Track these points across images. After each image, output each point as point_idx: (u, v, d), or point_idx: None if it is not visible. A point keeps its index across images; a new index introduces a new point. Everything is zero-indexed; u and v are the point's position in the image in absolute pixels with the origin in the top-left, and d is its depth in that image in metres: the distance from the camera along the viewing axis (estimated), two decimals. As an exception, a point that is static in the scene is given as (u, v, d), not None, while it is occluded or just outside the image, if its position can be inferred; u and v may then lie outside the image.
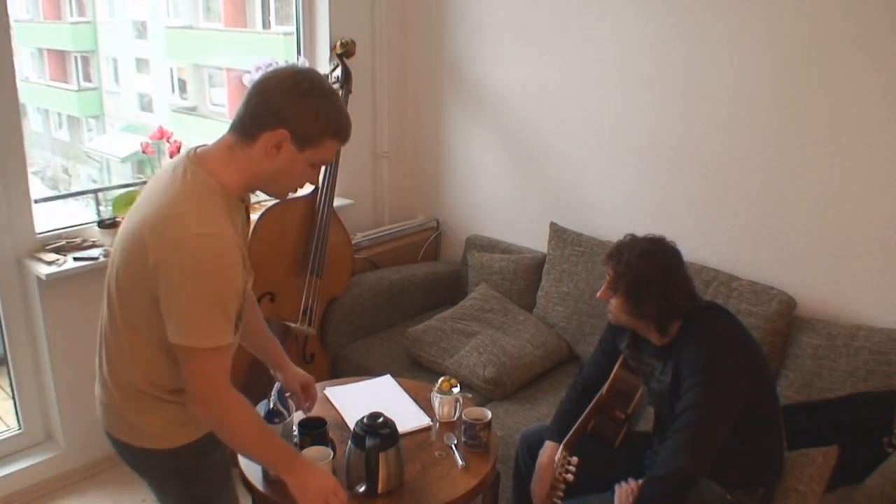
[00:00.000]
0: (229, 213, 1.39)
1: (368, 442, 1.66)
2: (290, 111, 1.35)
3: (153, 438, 1.49)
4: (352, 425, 1.95)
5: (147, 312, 1.37)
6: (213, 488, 1.58)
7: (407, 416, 2.01)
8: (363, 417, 1.72)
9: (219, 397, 1.40)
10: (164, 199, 1.35)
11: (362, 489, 1.70)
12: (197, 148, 1.43)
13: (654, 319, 1.82)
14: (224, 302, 1.35)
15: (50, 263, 2.43)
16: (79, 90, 7.42)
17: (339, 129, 1.41)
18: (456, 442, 1.91)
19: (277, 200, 2.76)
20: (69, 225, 2.64)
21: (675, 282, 1.83)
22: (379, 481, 1.69)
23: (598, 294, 1.91)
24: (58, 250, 2.51)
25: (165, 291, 1.32)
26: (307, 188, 2.85)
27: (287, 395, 1.86)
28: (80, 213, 2.85)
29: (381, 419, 1.71)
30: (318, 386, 2.05)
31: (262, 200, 2.91)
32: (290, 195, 1.54)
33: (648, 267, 1.81)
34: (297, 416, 1.87)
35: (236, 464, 1.81)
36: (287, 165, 1.39)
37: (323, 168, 1.50)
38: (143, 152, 2.67)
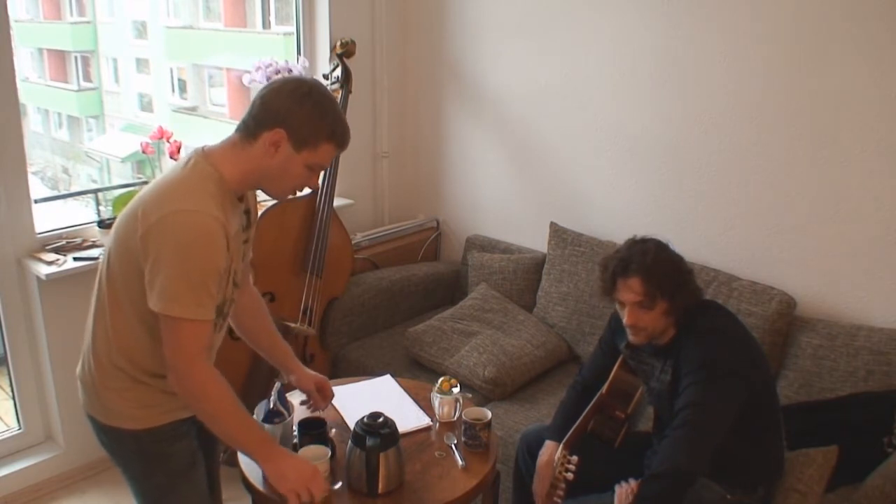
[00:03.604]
0: (222, 201, 1.44)
1: (369, 442, 1.66)
2: (288, 112, 1.43)
3: (120, 417, 1.54)
4: (352, 425, 1.95)
5: (132, 289, 1.44)
6: (174, 477, 1.60)
7: (407, 416, 2.01)
8: (363, 417, 1.72)
9: (194, 370, 1.44)
10: (163, 182, 1.44)
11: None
12: (206, 146, 1.51)
13: (684, 308, 1.81)
14: (205, 277, 1.40)
15: (50, 263, 2.43)
16: (79, 90, 7.42)
17: (335, 134, 1.47)
18: (456, 442, 1.91)
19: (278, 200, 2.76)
20: (69, 225, 2.64)
21: (686, 262, 1.86)
22: (379, 481, 1.69)
23: (627, 321, 1.81)
24: (58, 250, 2.51)
25: (150, 263, 1.38)
26: (307, 189, 2.85)
27: (287, 394, 1.87)
28: (80, 213, 2.85)
29: (381, 419, 1.71)
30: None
31: (262, 200, 2.91)
32: (290, 197, 1.57)
33: (672, 255, 1.83)
34: (297, 416, 1.87)
35: (236, 463, 1.81)
36: (284, 165, 1.46)
37: (322, 171, 1.54)
38: (143, 152, 2.67)
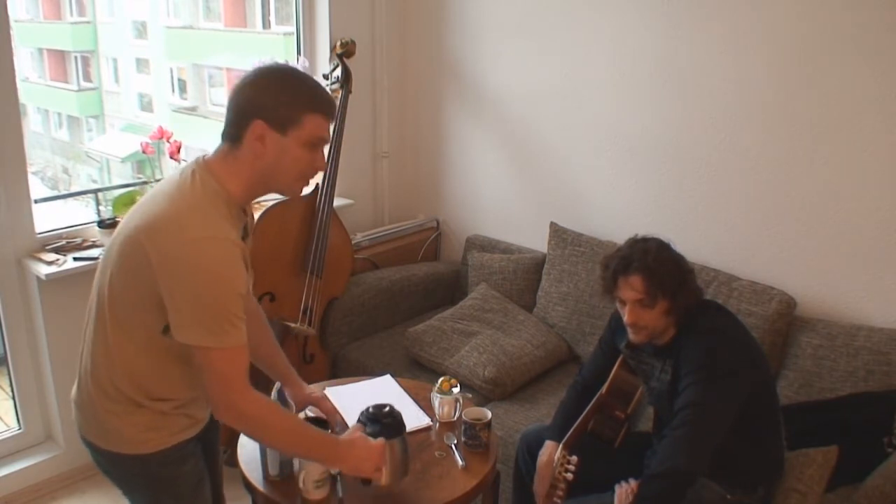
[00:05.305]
0: (231, 219, 1.39)
1: (368, 429, 1.62)
2: (258, 100, 1.36)
3: (123, 442, 1.48)
4: (352, 426, 1.95)
5: (140, 313, 1.38)
6: (181, 499, 1.56)
7: (407, 416, 1.99)
8: (368, 407, 1.68)
9: (244, 402, 1.40)
10: (168, 202, 1.36)
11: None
12: (204, 156, 1.44)
13: (685, 308, 1.81)
14: (230, 302, 1.35)
15: (50, 263, 2.43)
16: (79, 90, 7.42)
17: (315, 102, 1.39)
18: (456, 442, 1.91)
19: (278, 200, 2.76)
20: (69, 225, 2.64)
21: (688, 262, 1.86)
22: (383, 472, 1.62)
23: (628, 319, 1.82)
24: (58, 250, 2.51)
25: (171, 294, 1.32)
26: (307, 188, 2.84)
27: (287, 394, 1.86)
28: (80, 213, 2.85)
29: (386, 409, 1.67)
30: (317, 386, 2.06)
31: (262, 200, 2.91)
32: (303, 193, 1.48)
33: (674, 254, 1.83)
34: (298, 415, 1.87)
35: (236, 463, 1.81)
36: (278, 155, 1.38)
37: (324, 146, 1.44)
38: (143, 152, 2.67)
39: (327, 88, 2.95)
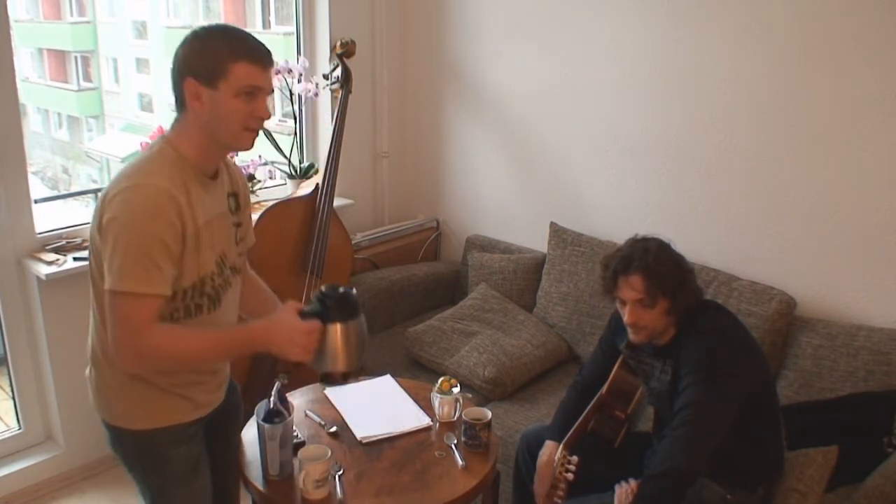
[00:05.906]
0: (181, 177, 1.42)
1: (305, 309, 1.50)
2: (186, 60, 1.42)
3: (122, 417, 1.53)
4: (352, 426, 1.95)
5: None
6: (172, 481, 1.57)
7: (407, 416, 2.01)
8: (322, 286, 1.54)
9: (141, 340, 1.36)
10: (121, 169, 1.44)
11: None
12: (169, 131, 1.50)
13: (685, 308, 1.81)
14: (149, 248, 1.35)
15: (50, 263, 2.43)
16: (79, 90, 7.41)
17: (238, 50, 1.40)
18: (456, 442, 1.91)
19: (278, 200, 2.76)
20: (69, 225, 2.64)
21: (688, 262, 1.86)
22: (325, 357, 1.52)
23: (628, 319, 1.82)
24: (58, 250, 2.51)
25: (104, 247, 1.36)
26: (307, 188, 2.85)
27: (287, 394, 1.86)
28: (80, 213, 2.85)
29: (341, 290, 1.53)
30: (317, 386, 2.06)
31: (262, 200, 2.91)
32: (250, 138, 1.47)
33: (674, 254, 1.83)
34: (298, 415, 1.87)
35: (239, 465, 1.81)
36: (214, 109, 1.41)
37: (262, 95, 1.44)
38: (143, 152, 2.67)
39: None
